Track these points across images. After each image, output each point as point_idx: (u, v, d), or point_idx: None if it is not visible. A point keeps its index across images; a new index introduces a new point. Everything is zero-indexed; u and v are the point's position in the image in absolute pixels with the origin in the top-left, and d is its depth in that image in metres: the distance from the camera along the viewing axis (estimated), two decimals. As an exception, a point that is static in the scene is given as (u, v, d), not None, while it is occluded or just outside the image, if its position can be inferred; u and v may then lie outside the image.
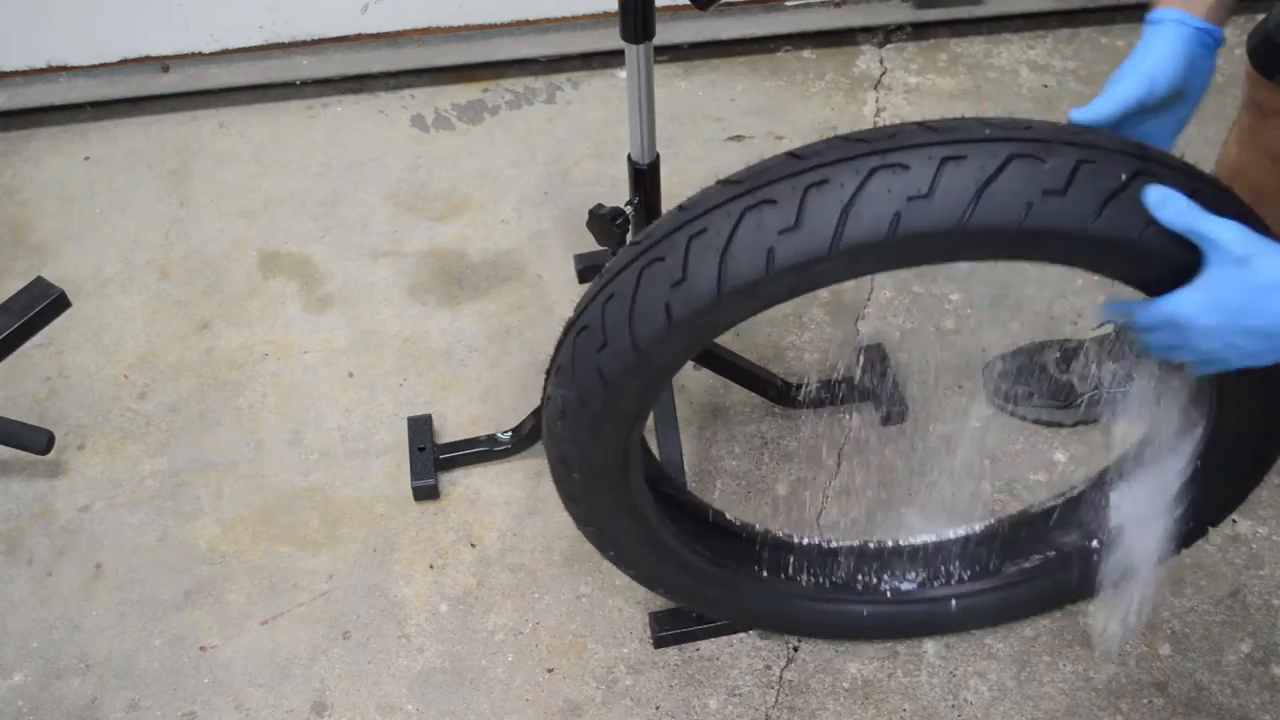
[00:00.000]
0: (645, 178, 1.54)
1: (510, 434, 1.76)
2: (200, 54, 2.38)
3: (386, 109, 2.38)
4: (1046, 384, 1.77)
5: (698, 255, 1.00)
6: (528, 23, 2.43)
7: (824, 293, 1.98)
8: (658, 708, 1.52)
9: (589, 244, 1.67)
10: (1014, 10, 2.46)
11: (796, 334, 1.93)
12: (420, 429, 1.79)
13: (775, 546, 1.51)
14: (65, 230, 2.16)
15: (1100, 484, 1.43)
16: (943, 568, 1.52)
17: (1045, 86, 2.36)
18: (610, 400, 1.11)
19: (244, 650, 1.59)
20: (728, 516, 1.50)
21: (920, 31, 2.48)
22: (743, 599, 1.50)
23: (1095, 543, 1.44)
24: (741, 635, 1.58)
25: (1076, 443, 1.76)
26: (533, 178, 2.22)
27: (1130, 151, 0.97)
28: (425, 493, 1.73)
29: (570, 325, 1.13)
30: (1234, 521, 1.67)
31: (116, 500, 1.76)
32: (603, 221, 1.59)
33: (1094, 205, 0.94)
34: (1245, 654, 1.55)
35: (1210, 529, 1.43)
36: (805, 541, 1.53)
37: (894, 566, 1.53)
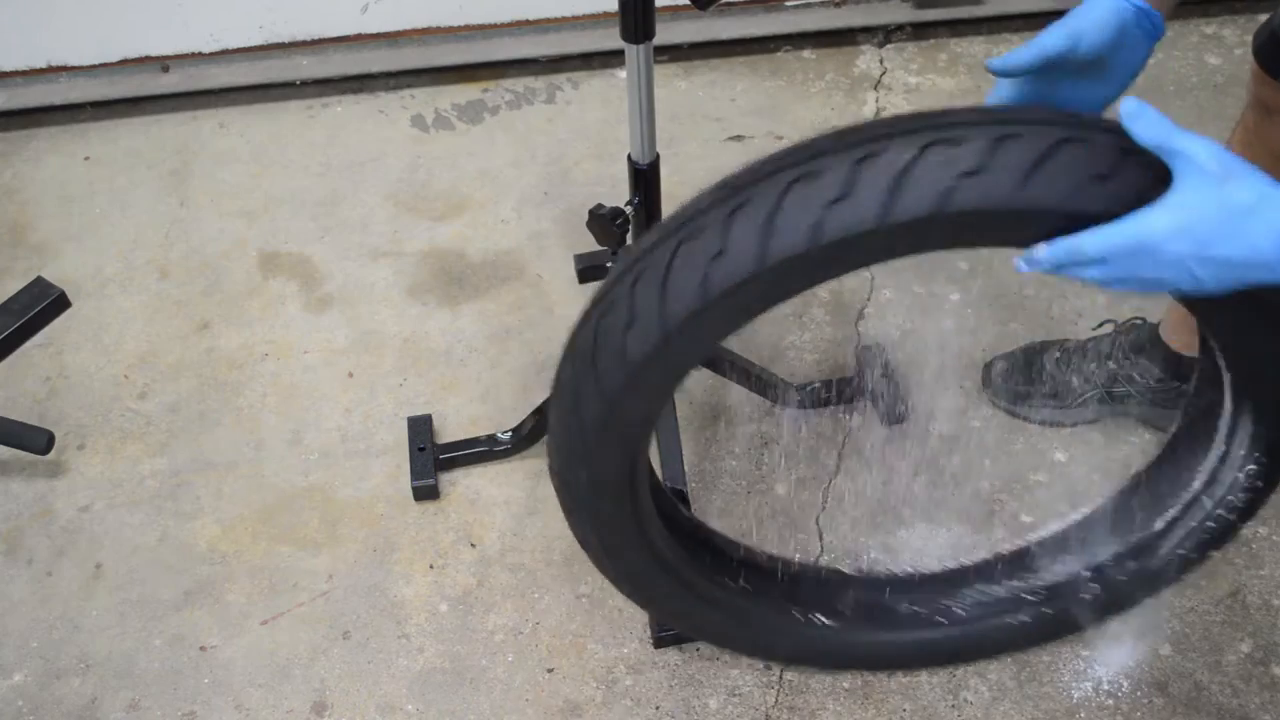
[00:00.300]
0: (645, 178, 1.54)
1: (510, 434, 1.76)
2: (200, 54, 2.38)
3: (386, 109, 2.38)
4: (1046, 384, 1.77)
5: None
6: (528, 23, 2.43)
7: (824, 293, 1.98)
8: (658, 708, 1.52)
9: (589, 244, 1.67)
10: (1014, 10, 2.46)
11: (797, 334, 1.93)
12: (420, 429, 1.79)
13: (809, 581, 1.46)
14: (65, 230, 2.16)
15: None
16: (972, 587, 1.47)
17: (1045, 86, 2.36)
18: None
19: (244, 650, 1.59)
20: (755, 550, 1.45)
21: (920, 31, 2.48)
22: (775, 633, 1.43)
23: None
24: (741, 635, 1.58)
25: (1077, 443, 1.77)
26: (533, 178, 2.22)
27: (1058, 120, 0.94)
28: (425, 493, 1.73)
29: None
30: (1234, 521, 1.67)
31: (116, 500, 1.76)
32: (603, 221, 1.59)
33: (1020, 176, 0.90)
34: (1245, 654, 1.55)
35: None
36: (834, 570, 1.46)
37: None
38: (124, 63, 2.37)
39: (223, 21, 2.34)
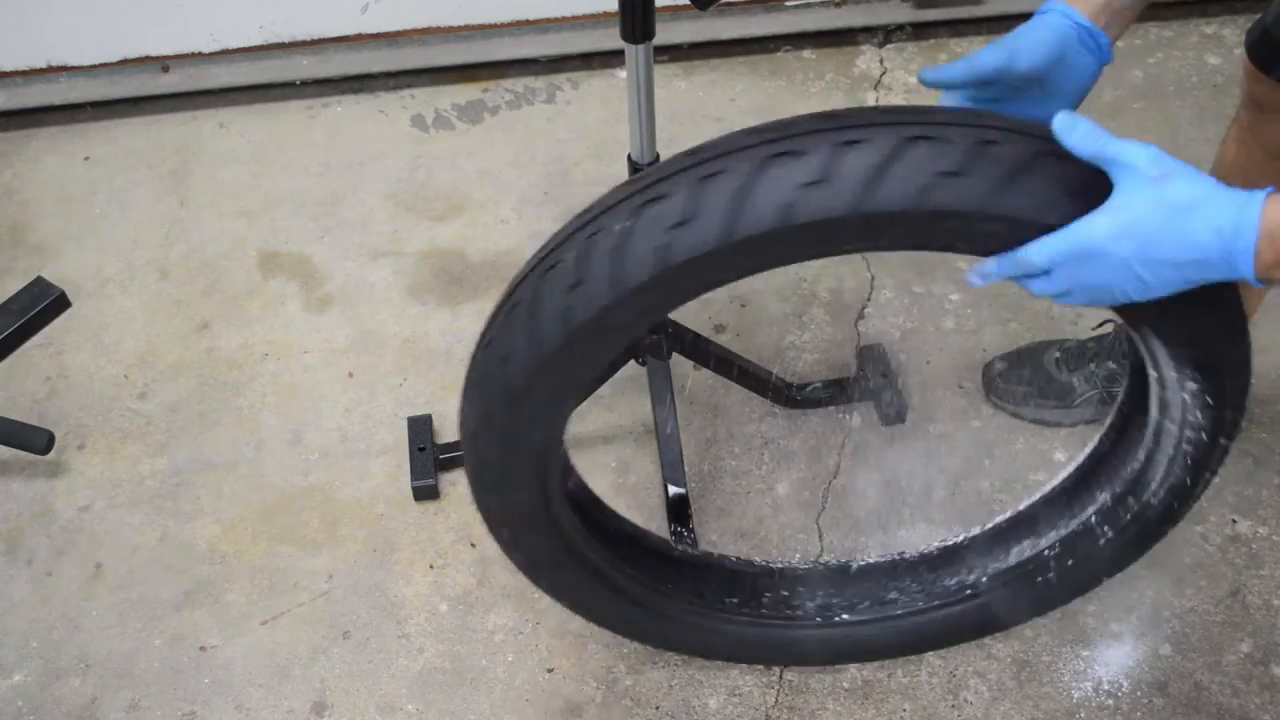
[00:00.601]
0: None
1: (510, 434, 1.76)
2: (200, 54, 2.38)
3: (386, 109, 2.38)
4: (1046, 384, 1.77)
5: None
6: (528, 23, 2.43)
7: (824, 293, 1.98)
8: (658, 708, 1.52)
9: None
10: (1014, 10, 2.46)
11: (797, 334, 1.93)
12: (420, 429, 1.79)
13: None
14: (65, 230, 2.16)
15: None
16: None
17: (1045, 86, 2.36)
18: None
19: (244, 650, 1.59)
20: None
21: (920, 31, 2.47)
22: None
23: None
24: (741, 635, 1.58)
25: (1076, 443, 1.76)
26: (533, 178, 2.22)
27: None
28: (425, 493, 1.73)
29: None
30: (1234, 521, 1.67)
31: (116, 500, 1.76)
32: (603, 221, 1.59)
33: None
34: (1245, 654, 1.55)
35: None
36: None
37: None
38: (124, 63, 2.37)
39: (223, 21, 2.34)
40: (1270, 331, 1.84)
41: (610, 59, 2.42)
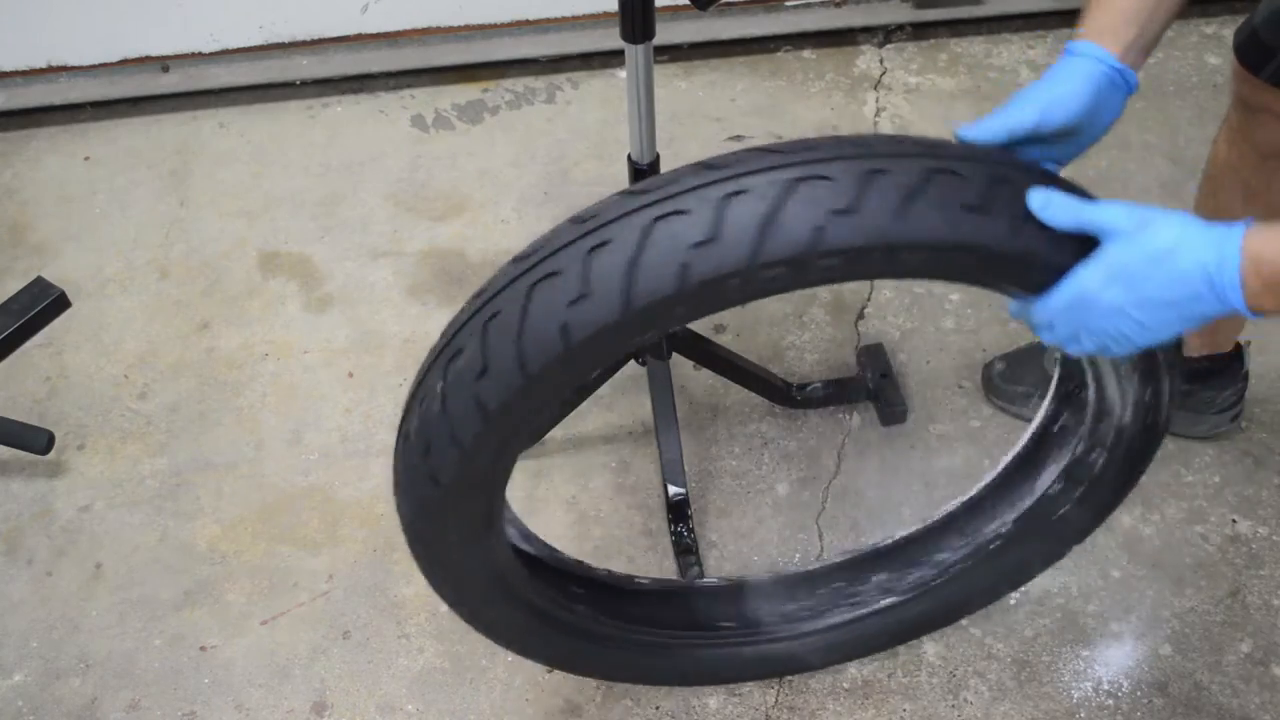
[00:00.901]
0: (645, 177, 1.54)
1: (510, 434, 1.76)
2: (200, 54, 2.38)
3: (386, 109, 2.38)
4: (1046, 384, 1.77)
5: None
6: (528, 23, 2.43)
7: (824, 293, 1.98)
8: (658, 708, 1.52)
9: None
10: (1014, 10, 2.46)
11: (797, 334, 1.93)
12: (420, 429, 1.78)
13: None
14: (65, 230, 2.16)
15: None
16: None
17: (1045, 86, 2.36)
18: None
19: (244, 650, 1.59)
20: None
21: (920, 31, 2.47)
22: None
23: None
24: (741, 635, 1.58)
25: (1076, 443, 1.77)
26: (533, 178, 2.22)
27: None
28: (425, 493, 1.73)
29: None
30: (1234, 521, 1.67)
31: (116, 500, 1.76)
32: (603, 221, 1.59)
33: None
34: (1245, 654, 1.55)
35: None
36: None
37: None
38: (124, 63, 2.37)
39: (223, 21, 2.34)
40: (1270, 332, 1.84)
41: (610, 59, 2.42)
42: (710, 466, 1.76)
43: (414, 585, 1.65)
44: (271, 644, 1.60)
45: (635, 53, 1.38)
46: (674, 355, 1.71)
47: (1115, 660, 1.55)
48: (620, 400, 1.84)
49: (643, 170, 1.52)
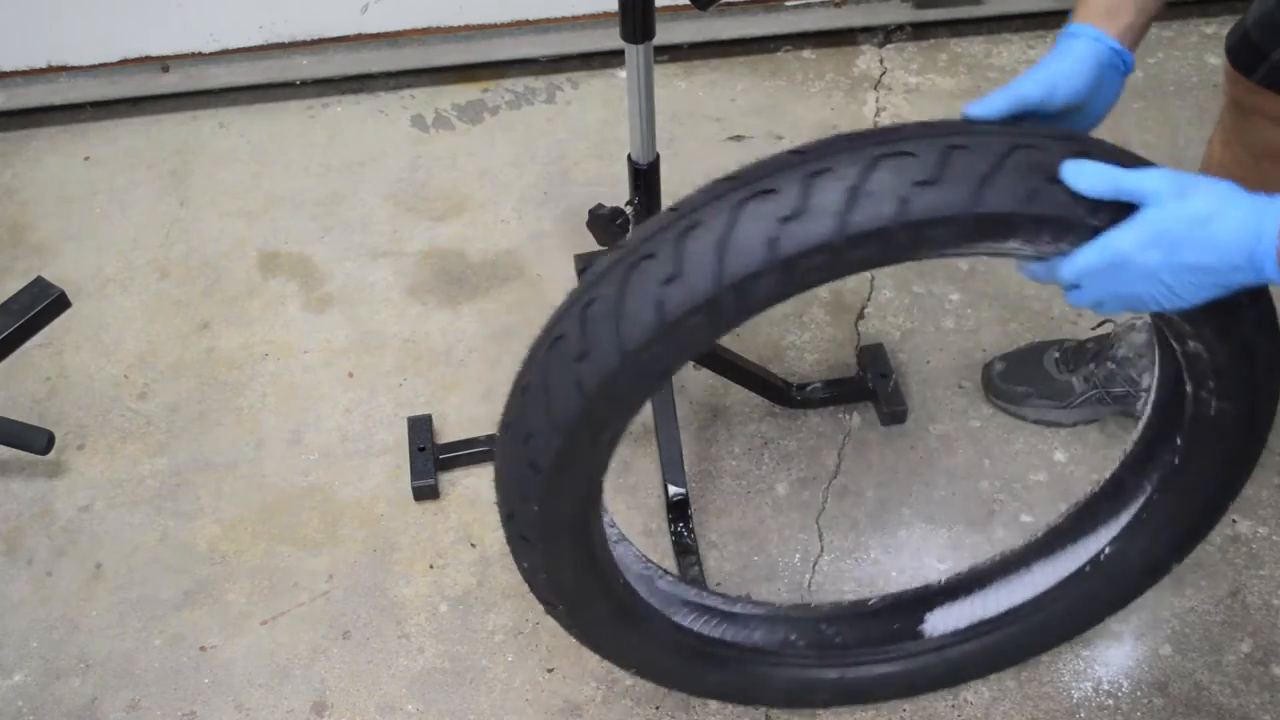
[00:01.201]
0: (645, 178, 1.54)
1: (510, 434, 1.76)
2: (200, 54, 2.38)
3: (386, 109, 2.38)
4: (1046, 384, 1.77)
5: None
6: (528, 23, 2.43)
7: (824, 293, 1.98)
8: (658, 708, 1.52)
9: (589, 244, 1.67)
10: (1014, 10, 2.46)
11: (797, 334, 1.93)
12: (420, 429, 1.79)
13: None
14: (65, 230, 2.16)
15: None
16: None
17: (1045, 86, 2.36)
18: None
19: (244, 650, 1.59)
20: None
21: (920, 31, 2.47)
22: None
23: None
24: (741, 635, 1.58)
25: (1076, 443, 1.77)
26: (533, 178, 2.22)
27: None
28: (425, 493, 1.73)
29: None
30: (1234, 521, 1.67)
31: (116, 500, 1.76)
32: (603, 221, 1.59)
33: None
34: (1245, 654, 1.55)
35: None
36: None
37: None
38: (124, 63, 2.37)
39: (223, 21, 2.34)
40: (1270, 331, 1.84)
41: (610, 59, 2.42)
42: (710, 466, 1.76)
43: (414, 585, 1.65)
44: (271, 644, 1.60)
45: (635, 53, 1.38)
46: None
47: (1115, 660, 1.55)
48: (620, 400, 1.84)
49: (642, 170, 1.52)
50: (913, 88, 2.37)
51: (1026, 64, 2.41)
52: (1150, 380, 1.32)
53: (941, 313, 1.95)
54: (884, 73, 2.41)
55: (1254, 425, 1.20)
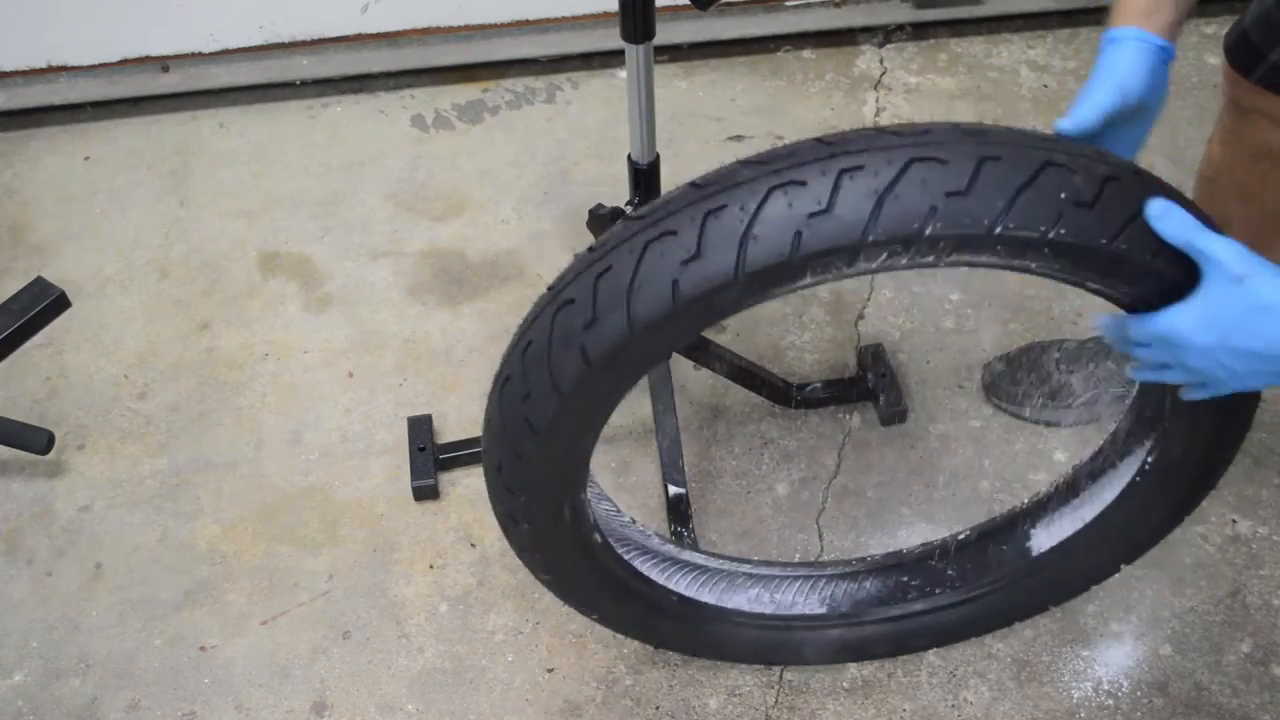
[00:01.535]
0: (645, 178, 1.54)
1: (510, 434, 1.76)
2: (200, 54, 2.38)
3: (386, 109, 2.38)
4: (1046, 384, 1.77)
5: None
6: (528, 23, 2.43)
7: (824, 293, 1.98)
8: (658, 708, 1.52)
9: (589, 244, 1.67)
10: (1014, 10, 2.46)
11: (797, 334, 1.93)
12: (420, 429, 1.79)
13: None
14: (65, 230, 2.16)
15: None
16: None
17: (1045, 86, 2.36)
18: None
19: (244, 650, 1.59)
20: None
21: (920, 31, 2.48)
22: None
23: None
24: (741, 635, 1.58)
25: (1076, 443, 1.77)
26: (533, 178, 2.22)
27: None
28: (425, 493, 1.73)
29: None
30: (1234, 521, 1.67)
31: (116, 500, 1.76)
32: (603, 221, 1.59)
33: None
34: (1245, 654, 1.55)
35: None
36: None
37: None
38: (124, 63, 2.37)
39: (223, 21, 2.34)
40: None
41: (610, 59, 2.42)
42: (710, 466, 1.77)
43: (414, 585, 1.65)
44: (271, 644, 1.60)
45: (635, 53, 1.38)
46: (674, 355, 1.71)
47: (1115, 660, 1.55)
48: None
49: (642, 170, 1.52)
50: (913, 87, 2.37)
51: (1026, 64, 2.41)
52: None
53: (941, 313, 1.95)
54: (884, 72, 2.41)
55: None
